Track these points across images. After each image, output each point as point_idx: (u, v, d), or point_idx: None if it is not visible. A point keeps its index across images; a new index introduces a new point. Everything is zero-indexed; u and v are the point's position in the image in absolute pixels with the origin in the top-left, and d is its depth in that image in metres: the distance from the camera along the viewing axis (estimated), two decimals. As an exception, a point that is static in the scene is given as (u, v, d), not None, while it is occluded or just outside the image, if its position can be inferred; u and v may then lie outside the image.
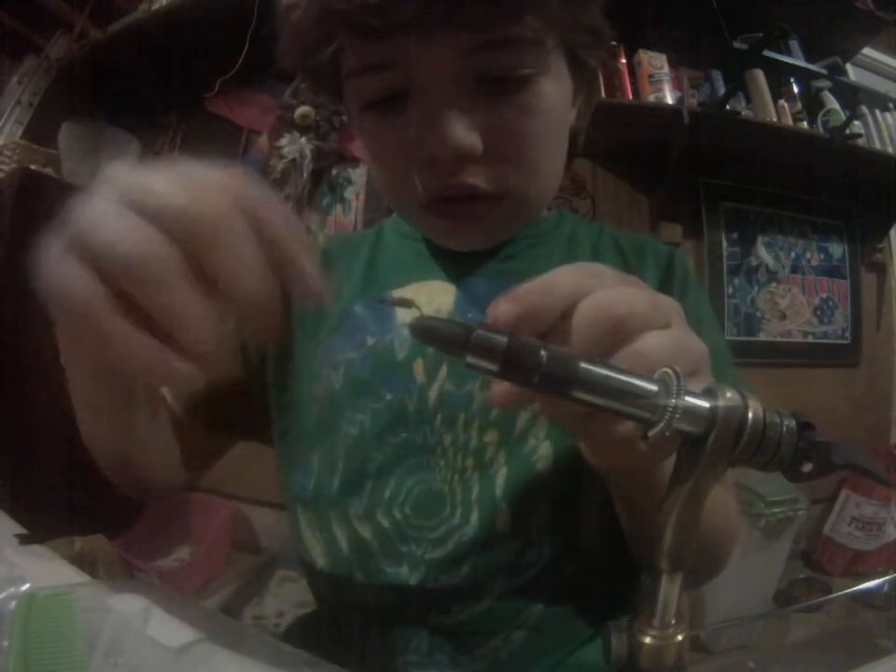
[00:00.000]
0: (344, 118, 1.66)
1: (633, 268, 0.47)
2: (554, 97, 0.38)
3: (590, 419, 0.22)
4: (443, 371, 0.43)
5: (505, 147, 0.37)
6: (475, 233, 0.43)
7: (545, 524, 0.41)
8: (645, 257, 0.48)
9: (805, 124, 1.64)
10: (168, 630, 0.32)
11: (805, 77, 1.73)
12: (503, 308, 0.21)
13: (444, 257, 0.47)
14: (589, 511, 0.41)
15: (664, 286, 0.47)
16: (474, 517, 0.41)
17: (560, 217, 0.52)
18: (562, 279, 0.22)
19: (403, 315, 0.45)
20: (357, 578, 0.43)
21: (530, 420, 0.42)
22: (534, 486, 0.41)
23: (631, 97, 1.54)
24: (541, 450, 0.41)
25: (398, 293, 0.46)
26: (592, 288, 0.22)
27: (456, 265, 0.46)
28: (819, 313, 1.84)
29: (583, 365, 0.19)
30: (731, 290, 1.74)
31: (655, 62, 1.55)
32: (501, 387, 0.22)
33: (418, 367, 0.43)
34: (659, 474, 0.29)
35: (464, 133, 0.35)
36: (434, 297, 0.46)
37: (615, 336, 0.21)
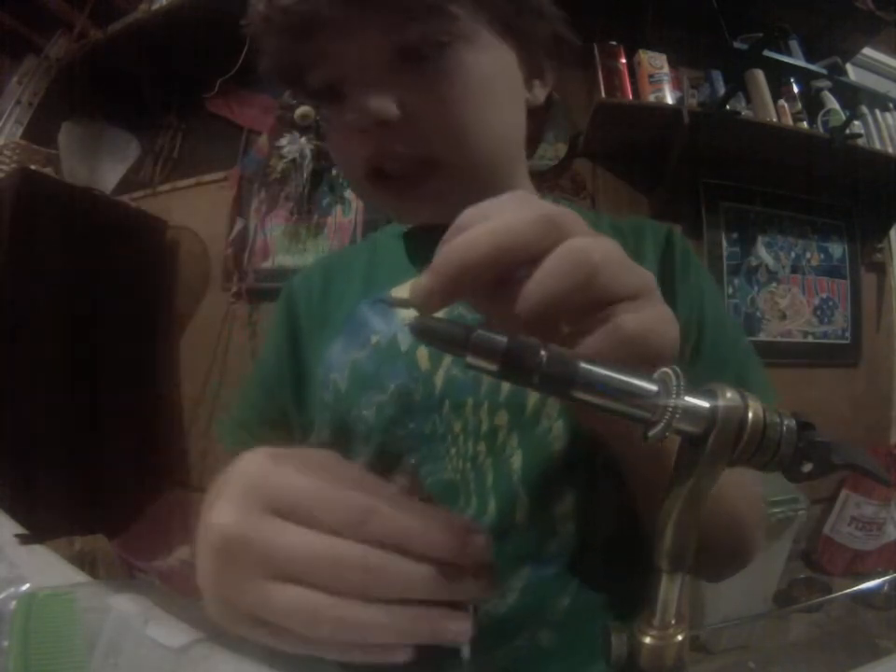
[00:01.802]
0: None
1: (632, 247, 0.47)
2: (480, 64, 0.39)
3: None
4: (448, 356, 0.42)
5: (424, 110, 0.38)
6: (420, 203, 0.43)
7: (567, 510, 0.39)
8: (644, 235, 0.48)
9: (805, 124, 1.64)
10: (168, 630, 0.32)
11: (805, 76, 1.73)
12: (420, 289, 0.20)
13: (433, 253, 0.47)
14: (614, 494, 0.39)
15: (664, 261, 0.46)
16: (491, 506, 0.39)
17: (555, 202, 0.52)
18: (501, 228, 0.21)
19: (405, 312, 0.45)
20: None
21: (541, 398, 0.40)
22: (552, 470, 0.39)
23: (631, 97, 1.53)
24: (556, 429, 0.40)
25: (395, 292, 0.46)
26: (550, 245, 0.20)
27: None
28: (818, 313, 1.84)
29: (583, 365, 0.19)
30: (731, 290, 1.74)
31: (655, 62, 1.55)
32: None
33: (422, 355, 0.43)
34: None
35: (380, 101, 0.37)
36: None
37: (588, 286, 0.20)
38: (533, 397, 0.41)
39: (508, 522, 0.39)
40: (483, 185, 0.44)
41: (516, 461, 0.40)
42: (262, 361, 0.57)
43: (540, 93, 0.46)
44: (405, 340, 0.44)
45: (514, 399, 0.41)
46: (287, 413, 0.52)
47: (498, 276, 0.21)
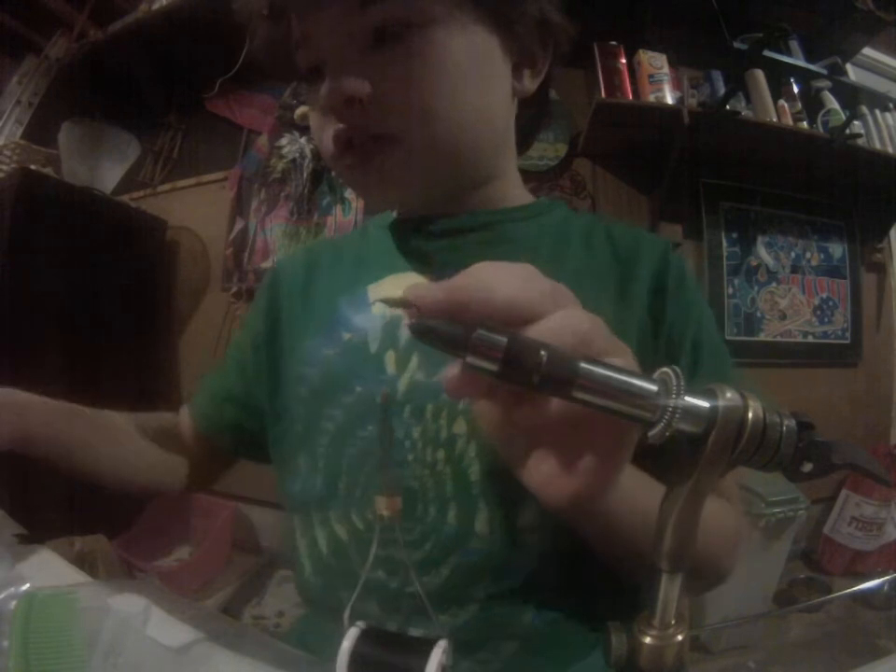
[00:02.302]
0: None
1: (625, 260, 0.46)
2: (452, 46, 0.39)
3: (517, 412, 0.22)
4: (414, 361, 0.41)
5: (392, 87, 0.38)
6: (381, 181, 0.42)
7: (529, 522, 0.39)
8: (639, 250, 0.46)
9: (804, 124, 1.64)
10: (168, 630, 0.32)
11: (805, 76, 1.73)
12: (429, 293, 0.21)
13: (420, 246, 0.46)
14: None
15: (658, 276, 0.45)
16: (451, 515, 0.39)
17: (550, 205, 0.50)
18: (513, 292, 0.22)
19: (377, 309, 0.44)
20: (338, 584, 0.42)
21: None
22: (512, 482, 0.37)
23: (631, 97, 1.53)
24: None
25: (373, 288, 0.45)
26: (542, 313, 0.22)
27: (430, 254, 0.45)
28: (819, 313, 1.84)
29: (583, 365, 0.19)
30: (731, 290, 1.74)
31: (655, 62, 1.55)
32: (454, 373, 0.22)
33: (390, 358, 0.42)
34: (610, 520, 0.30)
35: (349, 80, 0.38)
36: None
37: (577, 349, 0.21)
38: None
39: (467, 532, 0.38)
40: (451, 167, 0.44)
41: (474, 472, 0.39)
42: (239, 342, 0.56)
43: (531, 83, 0.45)
44: (374, 339, 0.43)
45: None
46: (253, 396, 0.52)
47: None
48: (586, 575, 0.40)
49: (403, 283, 0.44)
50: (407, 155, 0.40)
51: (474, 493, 0.39)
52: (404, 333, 0.42)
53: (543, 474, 0.27)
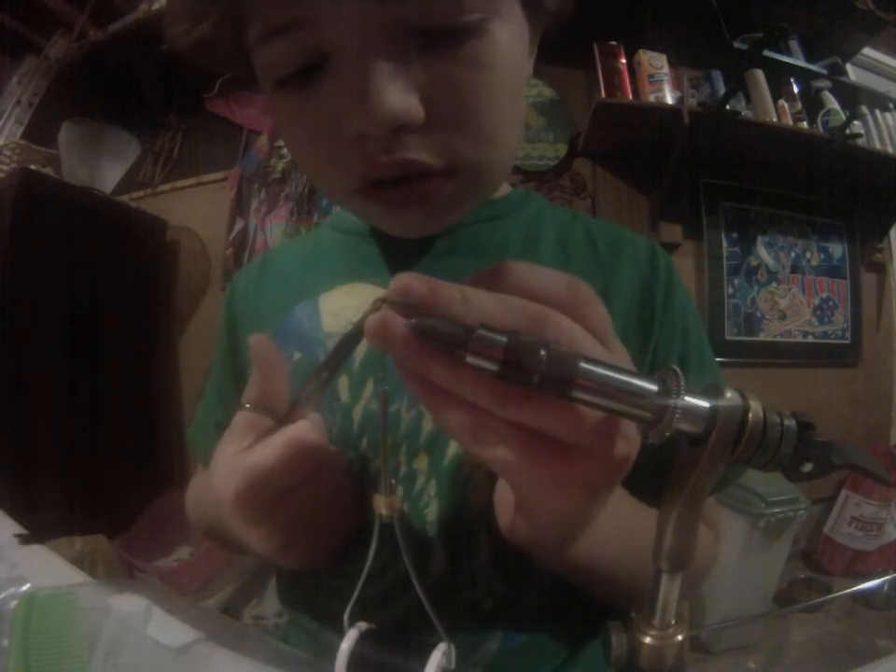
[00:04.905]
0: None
1: (606, 262, 0.42)
2: (509, 45, 0.31)
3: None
4: (369, 388, 0.38)
5: (453, 109, 0.30)
6: (426, 217, 0.34)
7: (489, 560, 0.37)
8: (622, 252, 0.43)
9: (804, 124, 1.64)
10: (168, 630, 0.32)
11: (805, 76, 1.73)
12: (415, 285, 0.19)
13: (379, 254, 0.43)
14: None
15: (646, 286, 0.42)
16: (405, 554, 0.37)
17: (526, 197, 0.46)
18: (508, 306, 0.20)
19: (329, 326, 0.41)
20: (301, 616, 0.41)
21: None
22: (470, 521, 0.37)
23: (631, 97, 1.54)
24: (478, 478, 0.36)
25: (325, 297, 0.42)
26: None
27: (392, 263, 0.42)
28: (819, 313, 1.84)
29: (583, 365, 0.19)
30: (731, 290, 1.74)
31: (655, 62, 1.55)
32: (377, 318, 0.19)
33: (343, 384, 0.39)
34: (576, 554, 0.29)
35: (399, 98, 0.28)
36: (364, 301, 0.39)
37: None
38: (454, 443, 0.36)
39: (423, 570, 0.37)
40: (495, 187, 0.41)
41: (431, 512, 0.37)
42: (213, 363, 0.53)
43: (531, 65, 0.39)
44: None
45: (434, 443, 0.37)
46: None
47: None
48: (552, 603, 0.39)
49: (357, 293, 0.41)
50: (459, 188, 0.33)
51: (430, 535, 0.37)
52: (359, 353, 0.38)
53: (502, 506, 0.27)
